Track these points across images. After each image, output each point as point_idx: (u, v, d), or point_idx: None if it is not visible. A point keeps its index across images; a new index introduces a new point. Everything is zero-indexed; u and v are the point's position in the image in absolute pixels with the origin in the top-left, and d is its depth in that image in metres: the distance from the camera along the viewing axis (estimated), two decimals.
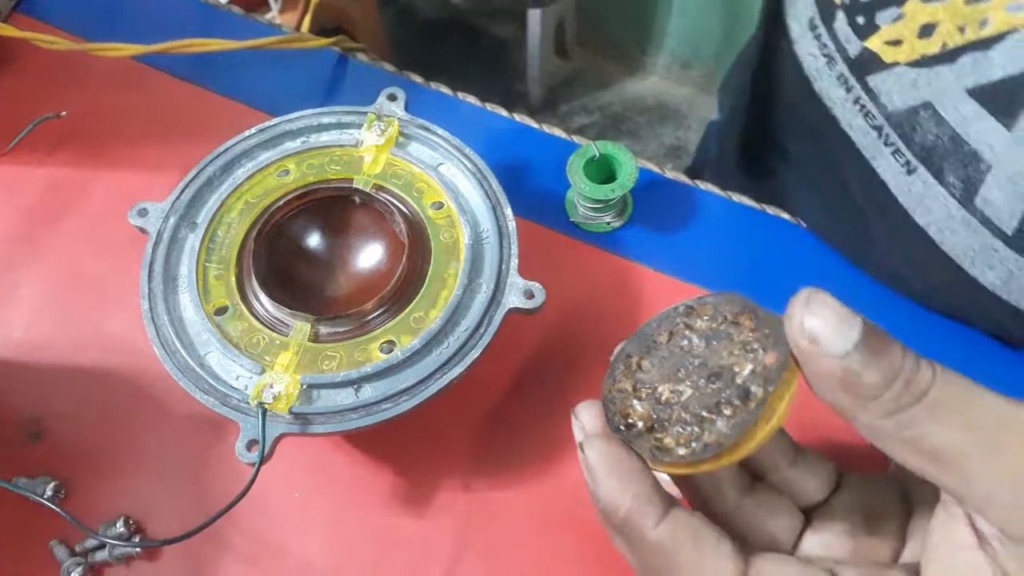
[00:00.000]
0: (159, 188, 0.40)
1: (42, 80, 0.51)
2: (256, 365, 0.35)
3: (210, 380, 0.35)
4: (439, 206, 0.40)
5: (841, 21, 0.39)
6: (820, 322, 0.23)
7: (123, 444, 0.40)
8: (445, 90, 0.53)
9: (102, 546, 0.37)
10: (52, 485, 0.38)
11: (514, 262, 0.38)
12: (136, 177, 0.47)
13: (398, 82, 0.51)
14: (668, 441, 0.26)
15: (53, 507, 0.37)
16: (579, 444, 0.27)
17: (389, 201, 0.39)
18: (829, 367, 0.23)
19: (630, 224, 0.47)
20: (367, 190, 0.40)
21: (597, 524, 0.38)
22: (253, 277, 0.37)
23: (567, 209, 0.47)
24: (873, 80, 0.39)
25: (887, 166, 0.40)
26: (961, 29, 0.35)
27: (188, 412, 0.40)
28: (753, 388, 0.25)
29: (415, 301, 0.37)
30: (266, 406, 0.34)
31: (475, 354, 0.36)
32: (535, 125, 0.51)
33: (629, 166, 0.44)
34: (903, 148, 0.39)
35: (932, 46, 0.36)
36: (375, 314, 0.37)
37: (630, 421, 0.27)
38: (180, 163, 0.41)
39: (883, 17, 0.37)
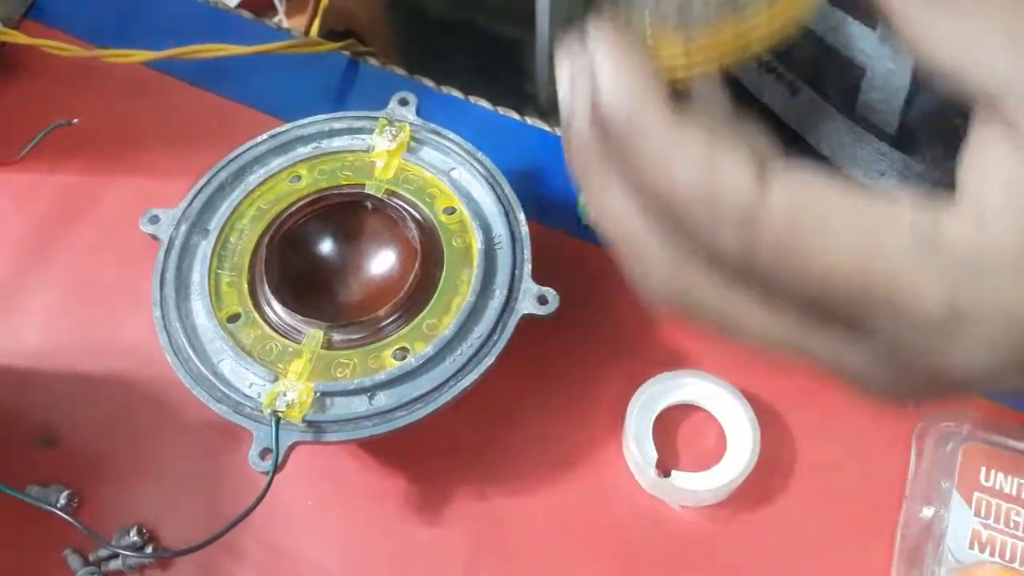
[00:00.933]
0: (171, 195, 0.40)
1: (53, 87, 0.51)
2: (269, 373, 0.35)
3: (223, 388, 0.35)
4: (451, 211, 0.39)
5: None
6: None
7: (136, 452, 0.40)
8: (457, 94, 0.52)
9: (116, 555, 0.37)
10: (65, 494, 0.38)
11: (527, 267, 0.38)
12: (148, 184, 0.47)
13: (409, 86, 0.51)
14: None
15: (66, 517, 0.37)
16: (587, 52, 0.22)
17: (401, 207, 0.39)
18: None
19: None
20: (379, 196, 0.39)
21: (615, 532, 0.38)
22: (265, 284, 0.37)
23: (580, 212, 0.47)
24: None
25: (772, 94, 0.40)
26: None
27: (201, 420, 0.39)
28: None
29: (428, 308, 0.37)
30: (279, 414, 0.34)
31: (489, 361, 0.35)
32: (547, 128, 0.51)
33: None
34: (783, 70, 0.38)
35: None
36: (388, 321, 0.36)
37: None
38: (192, 169, 0.41)
39: None
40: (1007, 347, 0.20)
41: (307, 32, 0.57)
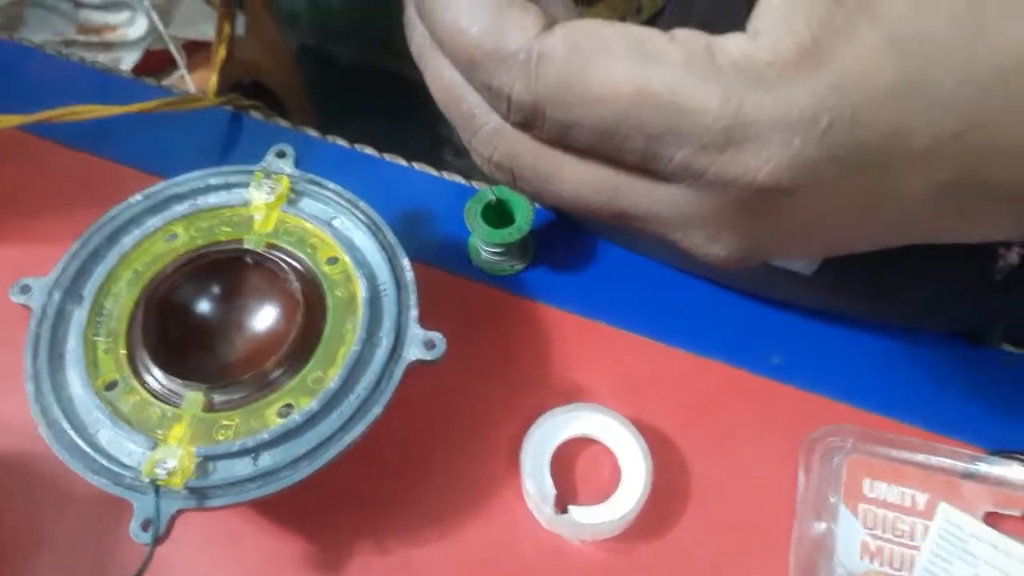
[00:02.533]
0: (46, 262, 0.39)
1: None
2: (148, 440, 0.34)
3: (101, 460, 0.34)
4: (334, 261, 0.39)
5: None
6: None
7: (19, 531, 0.38)
8: (342, 142, 0.52)
9: None
10: None
11: (413, 312, 0.38)
12: (23, 251, 0.45)
13: (292, 137, 0.51)
14: None
15: None
16: None
17: (282, 259, 0.39)
18: None
19: (534, 266, 0.47)
20: (258, 250, 0.39)
21: (518, 572, 0.38)
22: (143, 348, 0.36)
23: (471, 254, 0.47)
24: None
25: None
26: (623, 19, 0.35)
27: (86, 493, 0.38)
28: None
29: (313, 360, 0.36)
30: (159, 483, 0.32)
31: (376, 411, 0.35)
32: (434, 172, 0.51)
33: (526, 209, 0.44)
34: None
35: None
36: (271, 378, 0.36)
37: None
38: (69, 234, 0.40)
39: None
40: (801, 146, 0.20)
41: (219, 89, 0.56)
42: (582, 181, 0.24)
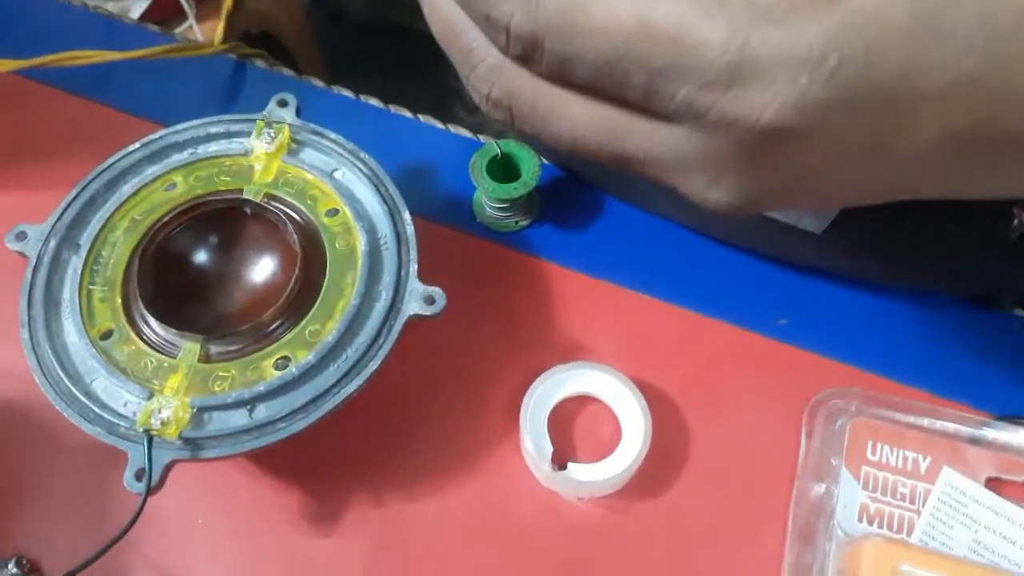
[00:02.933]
0: (43, 209, 0.39)
1: None
2: (144, 390, 0.34)
3: (96, 408, 0.34)
4: (334, 213, 0.39)
5: None
6: None
7: (14, 480, 0.38)
8: (347, 93, 0.52)
9: None
10: None
11: (413, 267, 0.37)
12: (18, 199, 0.45)
13: (296, 87, 0.50)
14: None
15: None
16: None
17: (281, 210, 0.38)
18: None
19: (539, 222, 0.46)
20: (257, 200, 0.38)
21: (514, 528, 0.37)
22: (139, 298, 0.36)
23: (475, 210, 0.46)
24: None
25: None
26: None
27: (81, 443, 0.38)
28: None
29: (311, 313, 0.36)
30: (153, 432, 0.32)
31: (374, 366, 0.35)
32: (440, 125, 0.50)
33: (532, 163, 0.44)
34: None
35: None
36: (268, 330, 0.35)
37: None
38: (66, 182, 0.39)
39: None
40: (808, 85, 0.20)
41: (225, 38, 0.55)
42: (582, 120, 0.23)
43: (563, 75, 0.22)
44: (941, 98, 0.21)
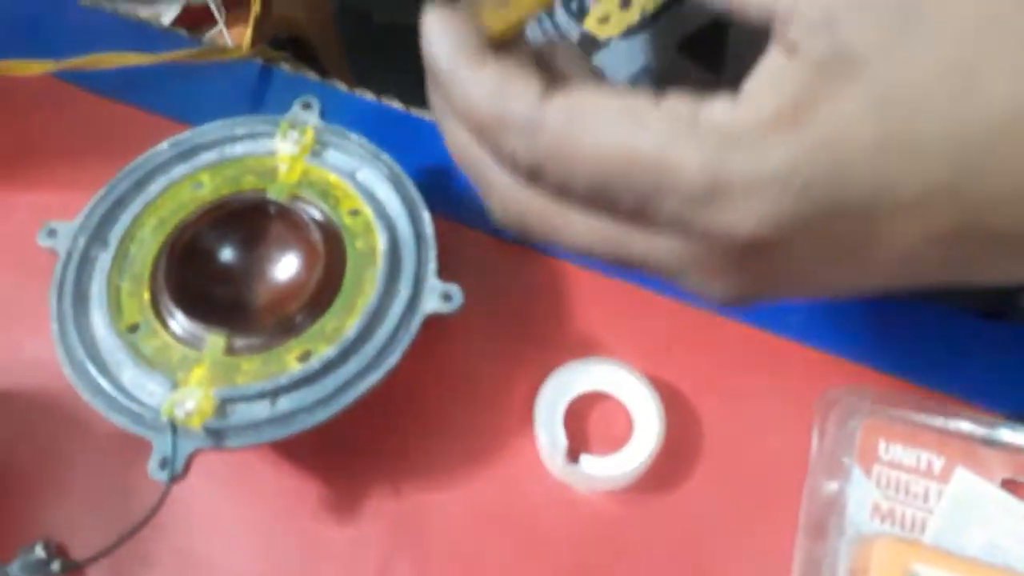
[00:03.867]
0: (73, 207, 0.40)
1: None
2: (169, 381, 0.35)
3: (122, 399, 0.35)
4: (355, 213, 0.39)
5: (560, 10, 0.40)
6: None
7: (42, 468, 0.40)
8: (370, 96, 0.52)
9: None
10: None
11: (432, 265, 0.38)
12: (48, 197, 0.46)
13: (319, 90, 0.51)
14: None
15: None
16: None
17: (304, 210, 0.39)
18: None
19: None
20: (281, 200, 0.39)
21: (527, 520, 0.38)
22: (165, 292, 0.37)
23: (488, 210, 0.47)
24: (597, 59, 0.39)
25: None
26: None
27: (108, 432, 0.39)
28: None
29: (332, 309, 0.37)
30: (178, 422, 0.33)
31: (393, 360, 0.36)
32: None
33: None
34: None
35: (633, 15, 0.37)
36: (290, 324, 0.36)
37: None
38: (96, 181, 0.41)
39: None
40: (778, 202, 0.22)
41: (253, 43, 0.56)
42: (587, 232, 0.26)
43: (566, 195, 0.25)
44: (918, 206, 0.22)
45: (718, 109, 0.23)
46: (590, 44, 0.40)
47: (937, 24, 0.22)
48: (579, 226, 0.26)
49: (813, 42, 0.22)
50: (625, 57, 0.38)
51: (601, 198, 0.24)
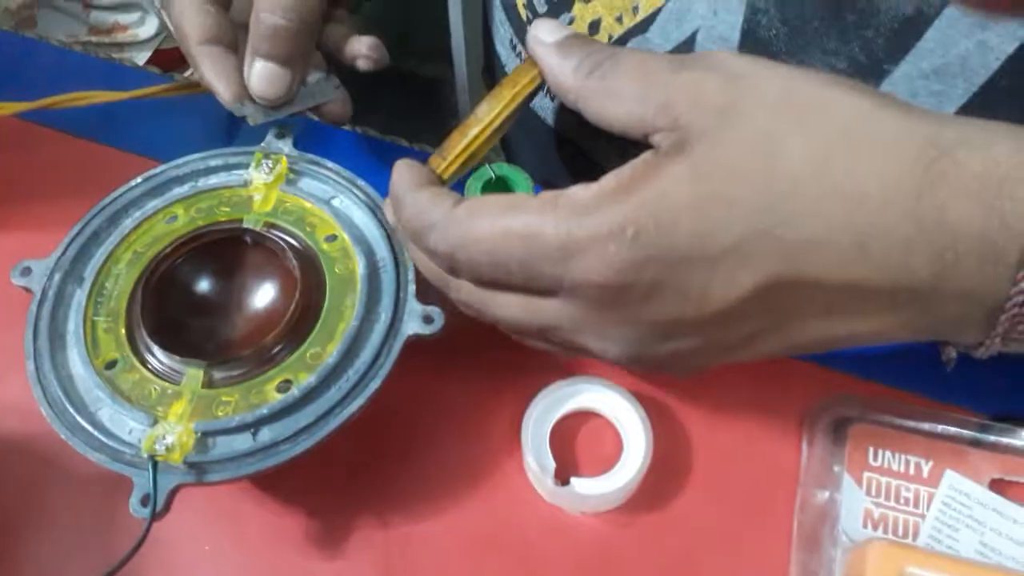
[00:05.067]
0: (47, 246, 0.39)
1: None
2: (148, 417, 0.34)
3: (101, 437, 0.34)
4: (333, 239, 0.39)
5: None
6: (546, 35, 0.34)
7: (23, 511, 0.39)
8: (345, 125, 0.52)
9: None
10: None
11: (411, 288, 0.38)
12: (24, 237, 0.46)
13: (295, 119, 0.51)
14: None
15: None
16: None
17: (280, 238, 0.39)
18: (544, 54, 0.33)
19: None
20: (257, 229, 0.39)
21: (519, 545, 0.38)
22: (142, 327, 0.36)
23: None
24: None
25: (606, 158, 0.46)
26: (619, 19, 0.42)
27: (88, 472, 0.38)
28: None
29: (312, 336, 0.36)
30: (158, 458, 0.33)
31: (375, 385, 0.35)
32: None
33: (525, 187, 0.44)
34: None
35: (601, 40, 0.42)
36: (269, 354, 0.36)
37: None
38: (69, 219, 0.40)
39: (562, 23, 0.39)
40: (616, 251, 0.27)
41: None
42: (508, 307, 0.32)
43: (480, 278, 0.31)
44: (739, 251, 0.27)
45: (575, 190, 0.29)
46: None
47: (749, 112, 0.28)
48: (502, 301, 0.32)
49: (660, 138, 0.29)
50: None
51: (500, 272, 0.30)
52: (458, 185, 0.45)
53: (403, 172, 0.34)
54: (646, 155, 0.29)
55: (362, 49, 0.43)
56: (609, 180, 0.29)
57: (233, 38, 0.41)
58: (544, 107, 0.48)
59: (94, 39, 1.15)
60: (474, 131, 0.36)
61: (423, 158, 0.50)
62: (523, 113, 0.47)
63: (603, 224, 0.27)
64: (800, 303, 0.28)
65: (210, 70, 0.40)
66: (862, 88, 0.28)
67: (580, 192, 0.29)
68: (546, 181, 0.45)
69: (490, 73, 0.60)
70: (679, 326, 0.29)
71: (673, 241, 0.27)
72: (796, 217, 0.27)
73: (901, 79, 0.35)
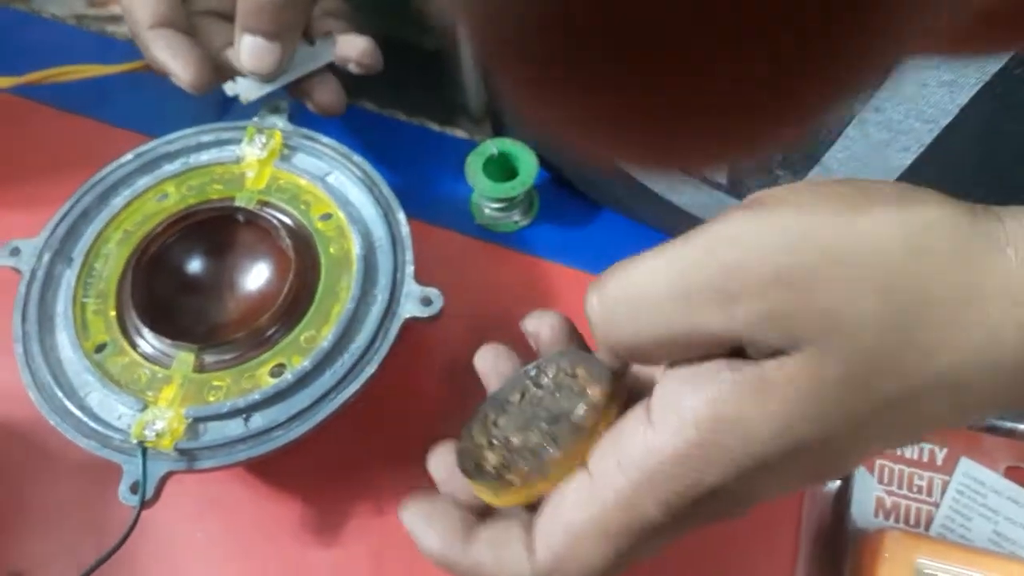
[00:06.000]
0: (36, 225, 0.38)
1: None
2: (138, 402, 0.33)
3: (90, 422, 0.33)
4: (328, 217, 0.38)
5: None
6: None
7: (12, 500, 0.38)
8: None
9: None
10: None
11: (409, 268, 0.36)
12: (12, 216, 0.45)
13: (285, 93, 0.49)
14: (510, 477, 0.27)
15: None
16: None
17: (274, 217, 0.37)
18: None
19: (538, 221, 0.45)
20: (250, 207, 0.38)
21: None
22: (132, 309, 0.35)
23: (473, 212, 0.46)
24: None
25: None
26: None
27: (78, 460, 0.37)
28: (581, 421, 0.27)
29: (306, 319, 0.35)
30: (148, 444, 0.32)
31: (371, 370, 0.34)
32: (436, 128, 0.50)
33: (529, 162, 0.43)
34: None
35: None
36: (262, 337, 0.35)
37: (481, 464, 0.29)
38: (60, 197, 0.39)
39: None
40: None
41: None
42: None
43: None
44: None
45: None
46: None
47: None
48: None
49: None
50: None
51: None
52: (456, 163, 0.44)
53: (427, 531, 0.29)
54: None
55: (352, 54, 0.41)
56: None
57: (186, 22, 0.40)
58: None
59: (92, 12, 1.13)
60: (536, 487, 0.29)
61: (422, 133, 0.50)
62: None
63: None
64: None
65: (165, 52, 0.39)
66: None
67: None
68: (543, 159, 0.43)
69: None
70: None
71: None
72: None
73: (910, 68, 0.34)
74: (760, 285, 0.22)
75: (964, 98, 0.31)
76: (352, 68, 0.42)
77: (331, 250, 0.37)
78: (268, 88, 0.41)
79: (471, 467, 0.29)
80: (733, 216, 0.23)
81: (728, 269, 0.22)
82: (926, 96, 0.31)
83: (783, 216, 0.22)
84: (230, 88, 0.40)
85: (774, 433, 0.22)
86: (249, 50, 0.39)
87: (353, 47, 0.41)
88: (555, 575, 0.26)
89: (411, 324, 0.35)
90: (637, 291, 0.24)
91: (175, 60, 0.39)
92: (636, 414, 0.25)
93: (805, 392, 0.22)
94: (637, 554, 0.25)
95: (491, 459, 0.29)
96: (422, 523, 0.29)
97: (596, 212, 0.46)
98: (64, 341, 0.35)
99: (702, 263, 0.23)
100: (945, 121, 0.31)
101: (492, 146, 0.43)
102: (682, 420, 0.23)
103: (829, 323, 0.22)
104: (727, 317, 0.22)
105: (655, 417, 0.24)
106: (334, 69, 0.43)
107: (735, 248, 0.22)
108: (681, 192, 0.41)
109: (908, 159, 0.33)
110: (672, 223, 0.41)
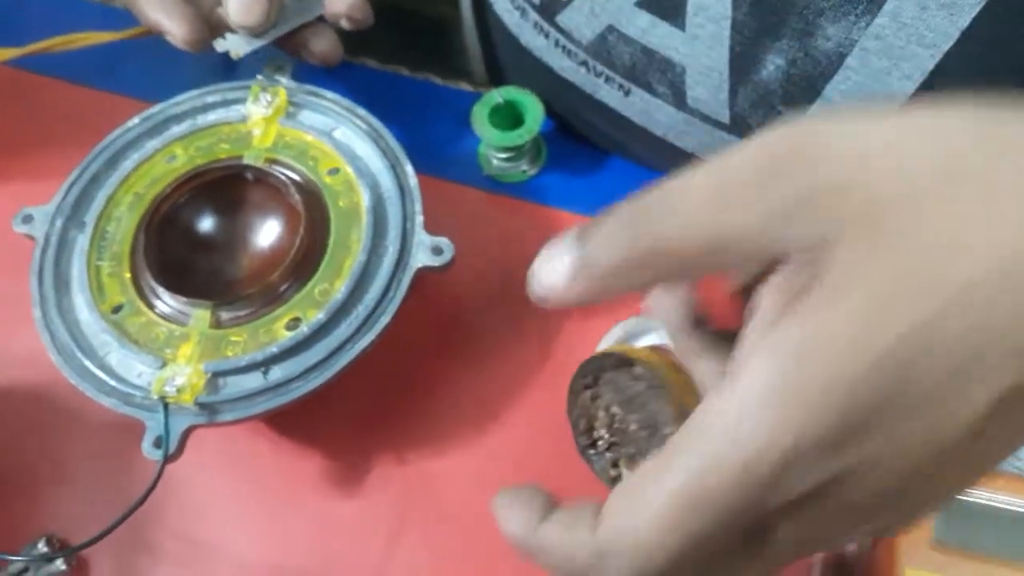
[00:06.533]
0: (47, 193, 0.38)
1: None
2: (157, 360, 0.34)
3: (111, 381, 0.34)
4: (336, 172, 0.38)
5: None
6: None
7: (43, 461, 0.39)
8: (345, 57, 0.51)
9: (26, 568, 0.36)
10: None
11: (419, 219, 0.37)
12: (22, 186, 0.45)
13: (277, 50, 0.49)
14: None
15: None
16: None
17: (282, 173, 0.38)
18: None
19: (546, 170, 0.45)
20: (258, 165, 0.38)
21: (543, 480, 0.37)
22: (146, 270, 0.35)
23: (481, 164, 0.45)
24: (561, 19, 0.40)
25: (606, 94, 0.42)
26: None
27: (101, 418, 0.37)
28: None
29: (319, 273, 0.36)
30: (169, 399, 0.32)
31: (385, 320, 0.34)
32: (439, 82, 0.49)
33: (535, 109, 0.43)
34: (610, 73, 0.40)
35: None
36: (276, 292, 0.35)
37: (595, 438, 0.32)
38: (68, 165, 0.39)
39: None
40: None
41: None
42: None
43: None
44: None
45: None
46: (553, 5, 0.39)
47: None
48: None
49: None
50: (589, 15, 0.38)
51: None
52: (462, 116, 0.43)
53: (511, 517, 0.27)
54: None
55: (341, 8, 0.41)
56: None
57: None
58: (538, 46, 0.45)
59: None
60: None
61: (426, 88, 0.49)
62: (518, 54, 0.45)
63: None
64: None
65: (158, 11, 0.39)
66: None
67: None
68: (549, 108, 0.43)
69: (479, 15, 0.54)
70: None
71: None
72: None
73: None
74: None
75: (965, 20, 0.30)
76: (343, 24, 0.42)
77: (340, 204, 0.37)
78: (258, 43, 0.41)
79: (584, 440, 0.33)
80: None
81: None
82: (926, 20, 0.30)
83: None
84: (220, 44, 0.40)
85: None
86: (237, 4, 0.39)
87: (342, 1, 0.41)
88: (608, 557, 0.23)
89: (423, 275, 0.36)
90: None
91: (169, 19, 0.39)
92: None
93: None
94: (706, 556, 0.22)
95: (601, 433, 0.32)
96: (505, 506, 0.27)
97: (603, 159, 0.45)
98: (81, 304, 0.36)
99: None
100: (946, 46, 0.30)
101: (498, 95, 0.43)
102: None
103: None
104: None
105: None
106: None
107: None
108: (685, 136, 0.40)
109: (911, 87, 0.32)
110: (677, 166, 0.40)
